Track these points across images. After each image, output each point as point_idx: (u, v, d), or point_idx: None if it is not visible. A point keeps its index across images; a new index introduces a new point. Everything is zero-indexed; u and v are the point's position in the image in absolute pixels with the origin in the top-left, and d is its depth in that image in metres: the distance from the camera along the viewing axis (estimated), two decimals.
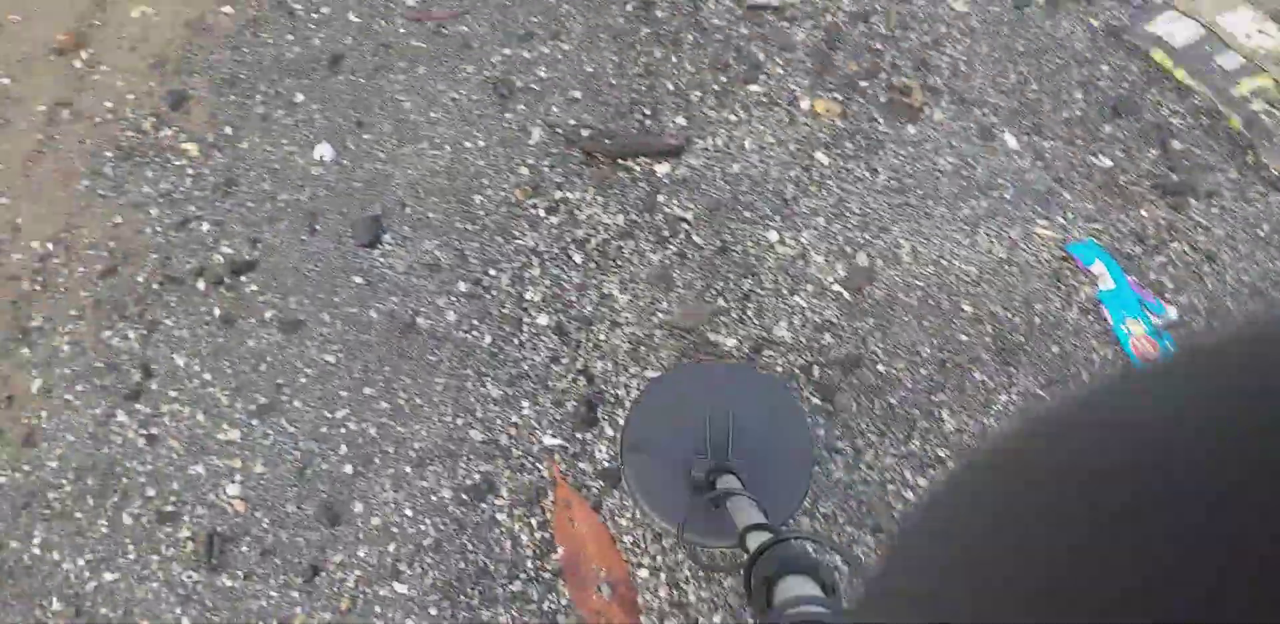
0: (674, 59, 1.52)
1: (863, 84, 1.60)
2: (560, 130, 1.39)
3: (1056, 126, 1.61)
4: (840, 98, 1.58)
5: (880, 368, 1.32)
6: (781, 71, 1.57)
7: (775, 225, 1.38)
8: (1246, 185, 1.63)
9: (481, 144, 1.39)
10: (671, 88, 1.50)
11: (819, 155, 1.49)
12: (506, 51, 1.50)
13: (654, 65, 1.51)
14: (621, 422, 1.20)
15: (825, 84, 1.57)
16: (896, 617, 0.21)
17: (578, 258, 1.28)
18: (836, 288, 1.35)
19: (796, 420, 1.17)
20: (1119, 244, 1.52)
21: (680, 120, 1.47)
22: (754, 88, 1.54)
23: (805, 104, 1.55)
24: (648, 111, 1.46)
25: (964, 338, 1.38)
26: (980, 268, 1.45)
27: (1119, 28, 1.81)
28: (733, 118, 1.49)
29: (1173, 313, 1.45)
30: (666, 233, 1.39)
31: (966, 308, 1.40)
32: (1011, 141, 1.60)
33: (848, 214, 1.43)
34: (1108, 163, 1.62)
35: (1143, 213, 1.56)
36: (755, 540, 0.78)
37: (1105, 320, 1.42)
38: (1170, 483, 0.14)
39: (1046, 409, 0.20)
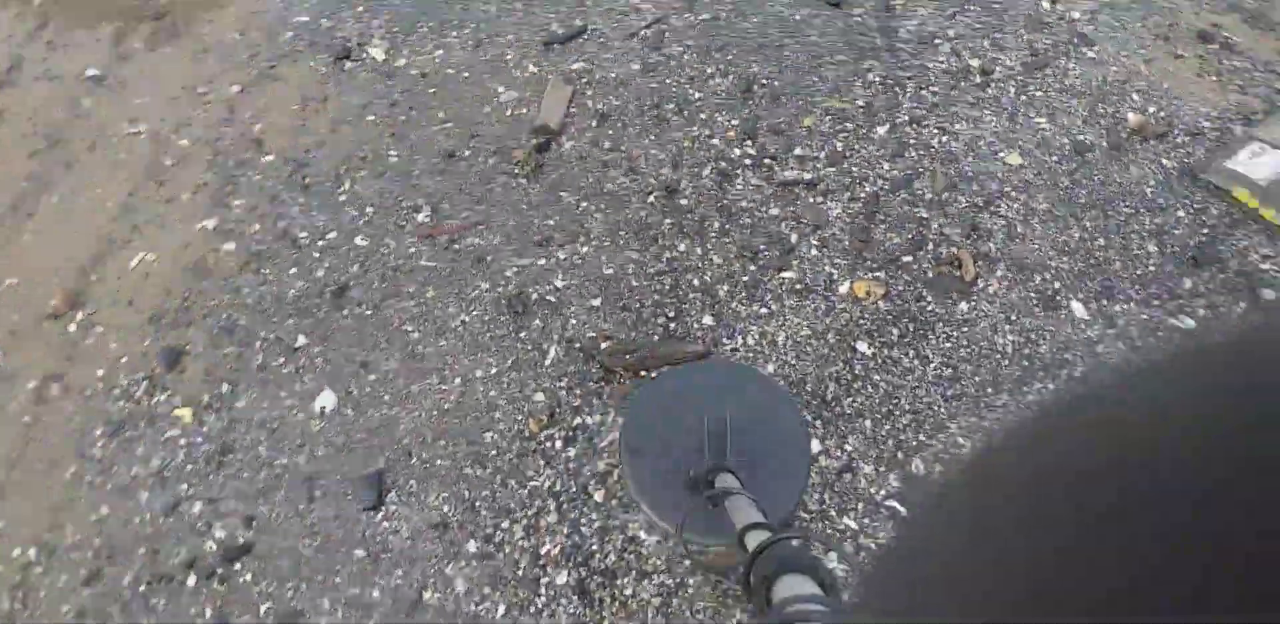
0: (699, 251, 1.57)
1: (907, 259, 1.61)
2: (578, 344, 1.44)
3: (1129, 287, 1.58)
4: (883, 277, 1.58)
5: None
6: (817, 253, 1.60)
7: (816, 432, 1.36)
8: None
9: (494, 371, 1.45)
10: (697, 284, 1.54)
11: (861, 346, 1.49)
12: (522, 262, 1.58)
13: (678, 260, 1.56)
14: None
15: (865, 263, 1.59)
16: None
17: (599, 496, 1.30)
18: (891, 503, 1.31)
19: (794, 420, 1.27)
20: None
21: (707, 320, 1.50)
22: (787, 274, 1.57)
23: (844, 287, 1.56)
24: (671, 313, 1.49)
25: None
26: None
27: (1194, 166, 1.78)
28: (764, 311, 1.51)
29: None
30: None
31: None
32: (1079, 309, 1.56)
33: (897, 413, 1.41)
34: (1190, 323, 1.55)
35: None
36: (754, 539, 0.83)
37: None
38: (1156, 482, 0.15)
39: (1020, 420, 0.21)
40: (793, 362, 1.51)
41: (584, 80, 1.91)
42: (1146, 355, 0.19)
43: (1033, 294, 1.61)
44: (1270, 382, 0.15)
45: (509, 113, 1.86)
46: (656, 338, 1.51)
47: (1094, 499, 0.16)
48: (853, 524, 1.32)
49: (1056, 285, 1.63)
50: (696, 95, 1.88)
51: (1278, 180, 1.79)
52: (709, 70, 1.92)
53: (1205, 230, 1.72)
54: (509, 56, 1.99)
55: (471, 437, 1.42)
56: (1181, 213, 1.75)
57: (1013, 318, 1.59)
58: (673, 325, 1.54)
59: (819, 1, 2.08)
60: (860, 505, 1.34)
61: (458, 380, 1.48)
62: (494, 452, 1.41)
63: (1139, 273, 1.65)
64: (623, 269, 1.62)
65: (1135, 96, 1.95)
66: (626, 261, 1.63)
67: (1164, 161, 1.84)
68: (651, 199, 1.72)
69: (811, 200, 1.73)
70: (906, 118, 1.85)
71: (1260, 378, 0.15)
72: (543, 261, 1.63)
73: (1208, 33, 2.06)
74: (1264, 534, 0.13)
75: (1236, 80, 1.95)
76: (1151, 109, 1.93)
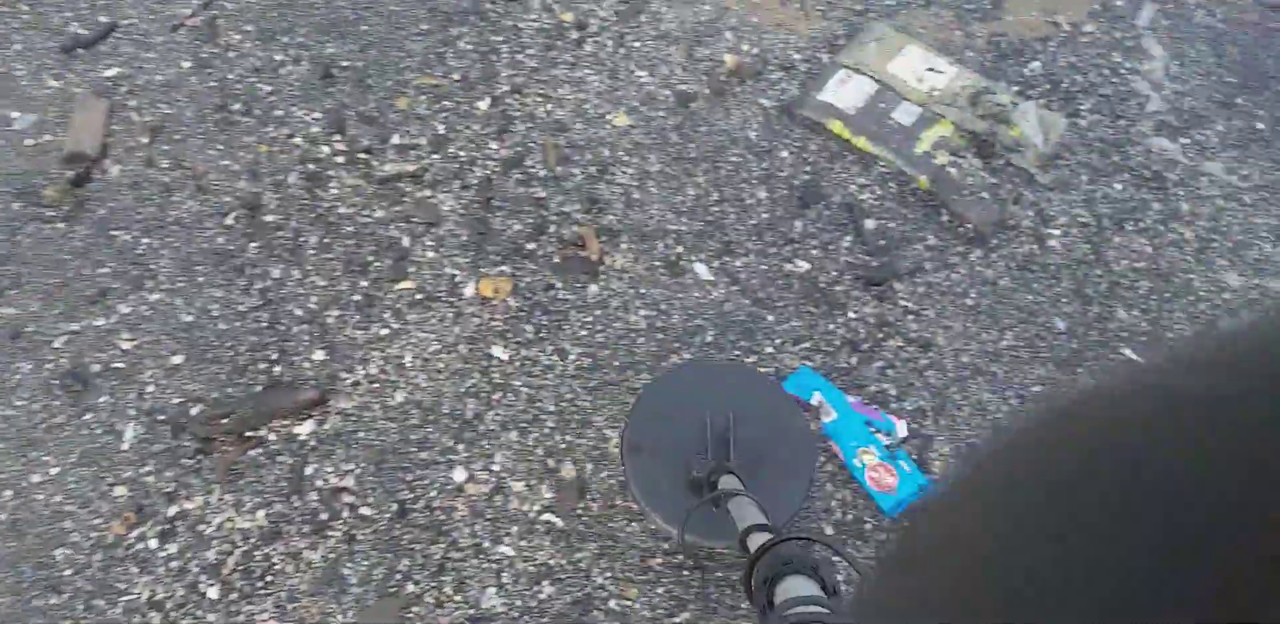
0: (297, 274, 1.39)
1: (531, 247, 1.52)
2: (162, 416, 1.23)
3: (746, 239, 1.59)
4: (509, 270, 1.49)
5: (614, 604, 1.23)
6: (434, 255, 1.47)
7: (459, 458, 1.27)
8: (946, 249, 1.66)
9: (55, 472, 1.22)
10: (301, 314, 1.37)
11: (497, 351, 1.40)
12: (73, 326, 1.32)
13: (273, 290, 1.38)
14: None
15: (488, 257, 1.48)
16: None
17: (213, 592, 1.12)
18: (547, 517, 1.25)
19: (796, 421, 1.30)
20: (833, 359, 1.51)
21: (318, 355, 1.33)
22: (404, 285, 1.43)
23: (469, 289, 1.45)
24: (274, 356, 1.32)
25: None
26: None
27: (791, 103, 1.80)
28: (384, 332, 1.37)
29: (901, 429, 1.44)
30: (325, 515, 1.26)
31: None
32: (702, 271, 1.56)
33: (543, 417, 1.33)
34: (804, 266, 1.61)
35: (850, 315, 1.56)
36: (756, 541, 0.84)
37: (838, 457, 1.39)
38: (1145, 489, 0.15)
39: (1003, 437, 0.22)
40: (424, 384, 1.39)
41: (123, 90, 1.60)
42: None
43: (658, 263, 1.59)
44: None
45: (28, 142, 1.53)
46: (260, 389, 1.32)
47: (1074, 508, 0.17)
48: (509, 552, 1.25)
49: (679, 250, 1.62)
50: (267, 89, 1.64)
51: (864, 107, 1.86)
52: (278, 58, 1.68)
53: (808, 169, 1.77)
54: (19, 72, 1.62)
55: (39, 558, 1.18)
56: (785, 154, 1.79)
57: (642, 291, 1.56)
58: (278, 370, 1.36)
59: None
60: (515, 528, 1.27)
61: (8, 493, 1.22)
62: (70, 571, 1.18)
63: (754, 223, 1.67)
64: (205, 313, 1.41)
65: (729, 35, 1.94)
66: (209, 302, 1.41)
67: (763, 102, 1.87)
68: (230, 221, 1.49)
69: (419, 195, 1.58)
70: (507, 87, 1.73)
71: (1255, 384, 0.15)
72: (100, 321, 1.37)
73: None
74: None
75: (818, 6, 1.99)
76: (745, 47, 1.94)
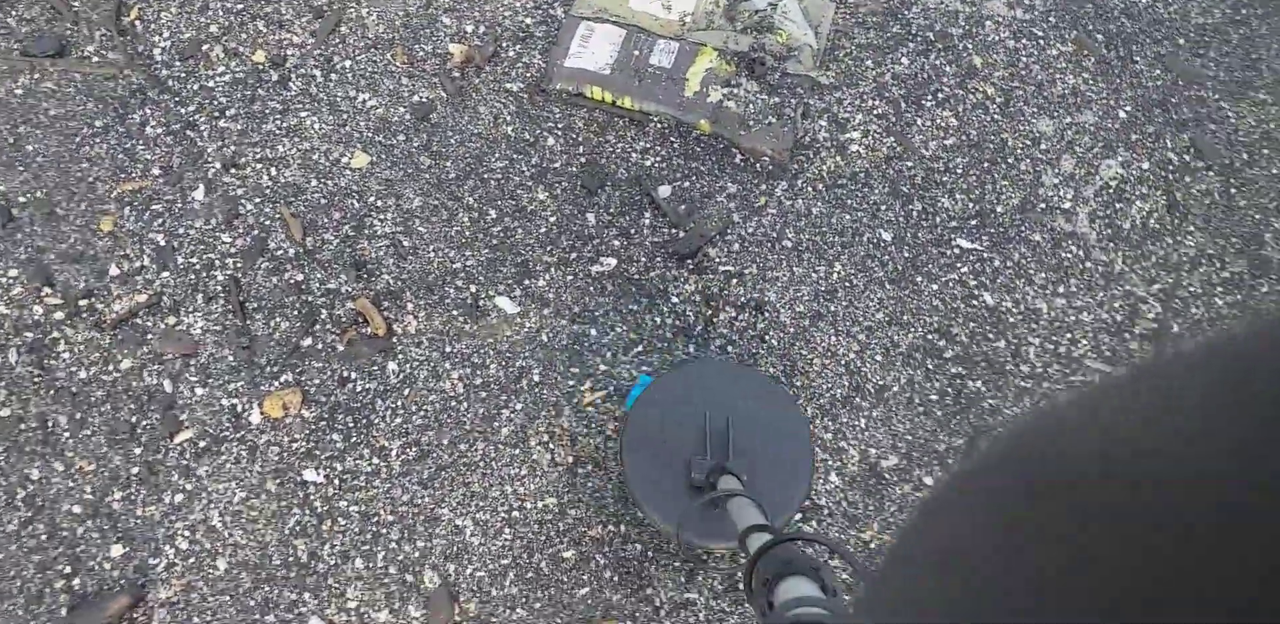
0: (60, 466, 1.28)
1: (306, 342, 1.37)
2: None
3: (542, 253, 1.56)
4: (292, 378, 1.33)
5: None
6: (202, 390, 1.33)
7: (310, 608, 1.19)
8: (749, 193, 1.55)
9: None
10: (79, 510, 1.24)
11: (309, 475, 1.28)
12: None
13: (37, 494, 1.32)
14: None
15: (265, 371, 1.35)
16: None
17: None
18: None
19: (796, 421, 1.29)
20: (672, 355, 1.42)
21: (115, 550, 1.22)
22: (183, 436, 1.29)
23: (255, 416, 1.31)
24: (68, 569, 1.20)
25: None
26: (552, 509, 1.30)
27: (539, 79, 1.63)
28: (179, 498, 1.23)
29: None
30: None
31: (568, 554, 1.27)
32: (506, 305, 1.43)
33: (384, 532, 1.22)
34: (611, 262, 1.49)
35: (674, 300, 1.46)
36: (756, 542, 0.84)
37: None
38: (1148, 486, 0.16)
39: (989, 450, 0.23)
40: (243, 541, 1.26)
41: None
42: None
43: (454, 312, 1.45)
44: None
45: None
46: (65, 612, 1.18)
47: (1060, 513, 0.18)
48: None
49: (473, 289, 1.47)
50: None
51: (617, 61, 1.70)
52: None
53: (581, 150, 1.61)
54: None
55: None
56: (552, 140, 1.63)
57: (448, 350, 1.42)
58: (78, 583, 1.21)
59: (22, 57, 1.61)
60: None
61: None
62: None
63: (544, 231, 1.53)
64: None
65: (447, 20, 1.74)
66: None
67: (509, 87, 1.69)
68: None
69: (163, 326, 1.40)
70: (219, 164, 1.53)
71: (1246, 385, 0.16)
72: None
73: None
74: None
75: None
76: (469, 28, 1.74)
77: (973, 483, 0.24)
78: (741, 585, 0.93)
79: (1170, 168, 1.67)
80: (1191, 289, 1.58)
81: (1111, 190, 1.65)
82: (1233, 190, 1.66)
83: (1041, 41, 1.81)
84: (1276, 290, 1.59)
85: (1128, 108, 1.74)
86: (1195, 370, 0.18)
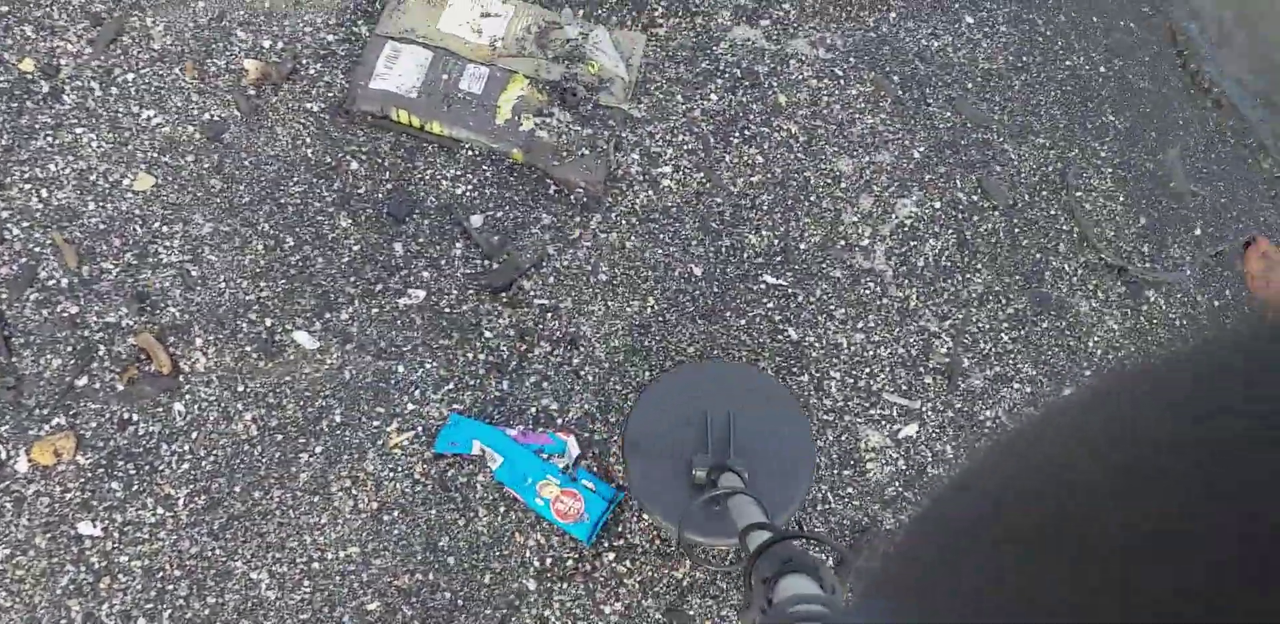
0: None
1: (82, 382, 1.36)
2: None
3: (345, 284, 1.52)
4: (65, 422, 1.32)
5: None
6: None
7: None
8: (564, 225, 1.67)
9: None
10: None
11: (85, 527, 1.27)
12: None
13: None
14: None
15: (33, 415, 1.32)
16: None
17: None
18: None
19: (796, 419, 1.39)
20: (484, 392, 1.51)
21: None
22: None
23: (22, 464, 1.28)
24: None
25: None
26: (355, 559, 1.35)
27: (342, 100, 1.67)
28: None
29: (573, 445, 1.46)
30: None
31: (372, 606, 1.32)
32: (305, 339, 1.47)
33: (170, 588, 1.24)
34: (419, 294, 1.55)
35: (487, 334, 1.55)
36: (756, 539, 0.89)
37: (518, 503, 1.40)
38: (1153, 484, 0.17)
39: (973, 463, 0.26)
40: (7, 603, 1.24)
41: None
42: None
43: (248, 347, 1.47)
44: None
45: None
46: None
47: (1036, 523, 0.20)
48: None
49: (268, 323, 1.50)
50: None
51: (425, 84, 1.76)
52: None
53: (387, 176, 1.68)
54: None
55: None
56: (355, 164, 1.68)
57: (240, 389, 1.45)
58: None
59: None
60: None
61: None
62: None
63: (346, 260, 1.58)
64: None
65: (241, 34, 1.75)
66: None
67: (309, 107, 1.72)
68: None
69: None
70: None
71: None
72: None
73: None
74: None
75: None
76: (266, 43, 1.76)
77: (949, 502, 0.27)
78: (740, 583, 1.00)
79: (960, 207, 1.91)
80: (980, 324, 1.81)
81: (906, 228, 1.87)
82: (1016, 230, 1.92)
83: (842, 81, 2.02)
84: (1056, 327, 1.85)
85: (921, 148, 1.97)
86: (1137, 396, 0.20)
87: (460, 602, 1.36)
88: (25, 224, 1.52)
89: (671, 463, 1.28)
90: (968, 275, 1.82)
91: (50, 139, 1.60)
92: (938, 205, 1.88)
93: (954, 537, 0.25)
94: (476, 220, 1.70)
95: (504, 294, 1.63)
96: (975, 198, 1.90)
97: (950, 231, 1.85)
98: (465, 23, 1.87)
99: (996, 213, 1.89)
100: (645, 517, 1.41)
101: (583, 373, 1.58)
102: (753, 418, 1.33)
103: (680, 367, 1.50)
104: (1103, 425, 0.20)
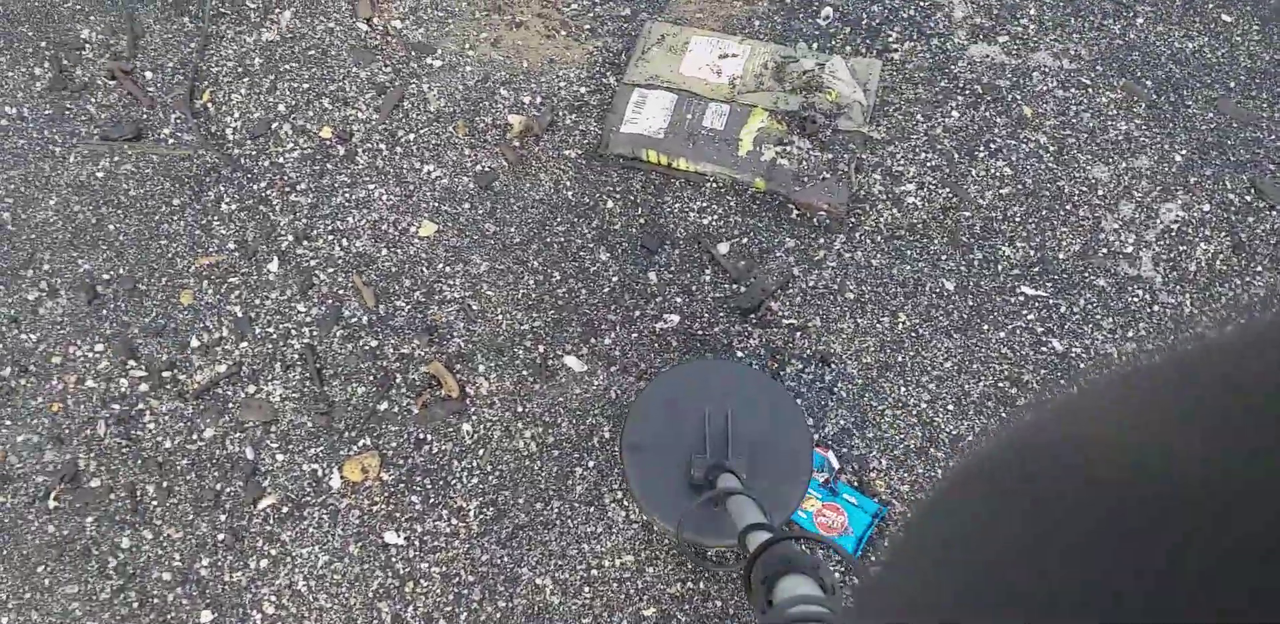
0: (149, 535, 1.37)
1: (383, 407, 1.43)
2: None
3: (606, 312, 1.58)
4: (370, 442, 1.39)
5: None
6: (283, 456, 1.39)
7: None
8: (808, 247, 1.61)
9: None
10: (169, 577, 1.29)
11: (390, 537, 1.33)
12: None
13: (128, 563, 1.36)
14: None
15: (343, 436, 1.41)
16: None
17: None
18: None
19: (795, 419, 1.33)
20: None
21: (205, 616, 1.28)
22: (266, 503, 1.37)
23: (335, 480, 1.36)
24: None
25: None
26: (630, 567, 1.33)
27: (596, 146, 1.71)
28: (264, 564, 1.30)
29: (832, 460, 1.39)
30: None
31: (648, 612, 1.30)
32: (574, 364, 1.49)
33: (465, 592, 1.27)
34: (674, 319, 1.56)
35: (739, 355, 1.51)
36: (755, 540, 0.87)
37: None
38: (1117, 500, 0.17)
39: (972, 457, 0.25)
40: (328, 604, 1.31)
41: None
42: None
43: (525, 372, 1.50)
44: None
45: None
46: None
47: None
48: None
49: (541, 350, 1.53)
50: (33, 338, 1.52)
51: (671, 125, 1.79)
52: (30, 297, 1.56)
53: (640, 212, 1.69)
54: None
55: None
56: (610, 203, 1.71)
57: (520, 410, 1.48)
58: None
59: (112, 142, 1.74)
60: None
61: None
62: None
63: (607, 291, 1.60)
64: (68, 616, 1.30)
65: (504, 93, 1.85)
66: (68, 603, 1.32)
67: (567, 154, 1.78)
68: (54, 502, 1.38)
69: (244, 394, 1.48)
70: (291, 237, 1.63)
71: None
72: None
73: None
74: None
75: (585, 24, 1.90)
76: (526, 99, 1.84)
77: (969, 482, 0.25)
78: (740, 583, 0.95)
79: (1232, 209, 1.71)
80: None
81: (1174, 233, 1.69)
82: None
83: (1090, 90, 1.88)
84: None
85: (1183, 151, 1.79)
86: (1184, 377, 0.18)
87: (731, 611, 1.31)
88: (330, 270, 1.64)
89: (670, 463, 1.24)
90: (1247, 278, 1.61)
91: (347, 195, 1.73)
92: (1207, 208, 1.69)
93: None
94: (723, 247, 1.68)
95: (753, 315, 1.60)
96: (1249, 198, 1.70)
97: (1223, 234, 1.66)
98: (706, 64, 1.89)
99: (1274, 212, 1.67)
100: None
101: (836, 389, 1.51)
102: (751, 418, 1.28)
103: (679, 367, 1.45)
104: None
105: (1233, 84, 1.87)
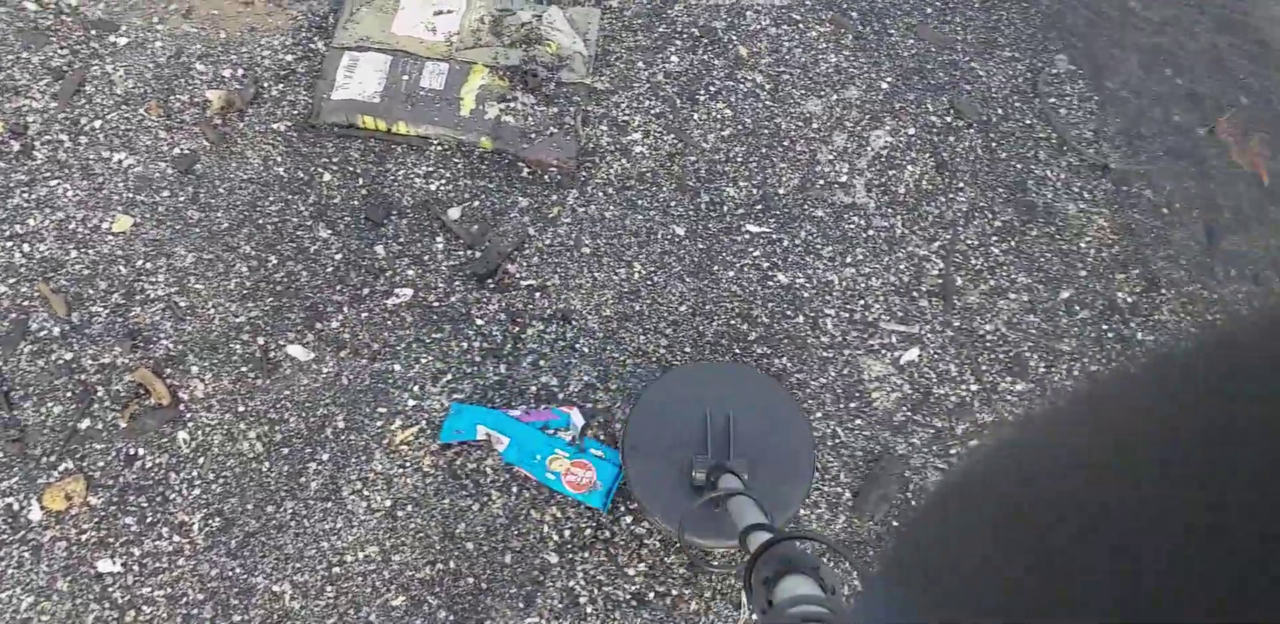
0: None
1: (85, 424, 1.25)
2: None
3: (331, 294, 1.47)
4: (73, 465, 1.20)
5: None
6: None
7: None
8: (541, 206, 1.60)
9: None
10: None
11: (105, 565, 1.15)
12: None
13: None
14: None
15: (40, 462, 1.23)
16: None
17: None
18: None
19: (796, 420, 1.28)
20: (483, 378, 1.38)
21: None
22: None
23: (34, 512, 1.16)
24: None
25: None
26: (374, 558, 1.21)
27: (309, 115, 1.56)
28: None
29: (577, 417, 1.31)
30: None
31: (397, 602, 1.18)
32: (299, 353, 1.35)
33: (199, 615, 1.13)
34: (407, 293, 1.43)
35: (479, 322, 1.43)
36: (756, 540, 0.84)
37: (530, 481, 1.25)
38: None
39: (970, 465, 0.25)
40: None
41: None
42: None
43: (244, 368, 1.34)
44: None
45: None
46: None
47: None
48: None
49: (260, 342, 1.36)
50: None
51: (387, 88, 1.62)
52: None
53: (360, 182, 1.54)
54: None
55: None
56: (328, 176, 1.55)
57: (241, 409, 1.32)
58: None
59: None
60: None
61: None
62: None
63: (331, 270, 1.46)
64: None
65: (201, 68, 1.62)
66: None
67: (276, 127, 1.58)
68: None
69: None
70: None
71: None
72: None
73: None
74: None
75: None
76: (226, 73, 1.62)
77: (952, 498, 0.25)
78: (741, 584, 0.93)
79: (934, 130, 1.70)
80: (969, 241, 1.60)
81: (884, 159, 1.67)
82: (993, 144, 1.70)
83: (800, 25, 1.82)
84: (1046, 233, 1.64)
85: (889, 79, 1.76)
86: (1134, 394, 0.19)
87: (484, 585, 1.21)
88: (11, 280, 1.41)
89: (671, 464, 1.19)
90: (950, 195, 1.62)
91: (26, 195, 1.49)
92: (912, 132, 1.67)
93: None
94: (454, 213, 1.54)
95: (490, 280, 1.47)
96: (949, 119, 1.70)
97: (928, 156, 1.65)
98: (421, 22, 1.72)
99: (972, 130, 1.68)
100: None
101: (578, 346, 1.42)
102: (752, 419, 1.23)
103: (679, 367, 1.40)
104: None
105: (929, 10, 1.86)
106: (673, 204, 1.58)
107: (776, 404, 1.28)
